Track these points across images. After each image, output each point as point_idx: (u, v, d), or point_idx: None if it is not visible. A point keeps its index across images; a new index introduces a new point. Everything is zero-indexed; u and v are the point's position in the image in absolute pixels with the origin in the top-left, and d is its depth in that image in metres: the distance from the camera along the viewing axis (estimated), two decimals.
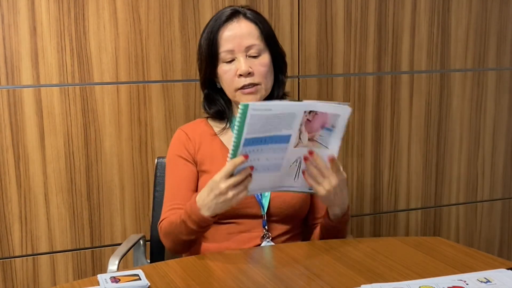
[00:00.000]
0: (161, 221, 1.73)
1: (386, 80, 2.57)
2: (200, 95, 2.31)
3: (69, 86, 2.19)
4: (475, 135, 2.77)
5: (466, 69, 2.70)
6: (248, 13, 1.76)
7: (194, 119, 2.31)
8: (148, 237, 2.12)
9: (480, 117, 2.76)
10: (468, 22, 2.66)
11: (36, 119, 2.17)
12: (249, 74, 1.72)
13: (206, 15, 2.27)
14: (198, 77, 2.31)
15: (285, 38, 2.39)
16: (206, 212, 1.53)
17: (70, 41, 2.16)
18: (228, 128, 1.81)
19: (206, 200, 1.52)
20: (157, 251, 1.97)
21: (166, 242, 1.72)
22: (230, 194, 1.47)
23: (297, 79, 2.44)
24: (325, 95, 2.48)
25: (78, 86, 2.20)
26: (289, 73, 2.41)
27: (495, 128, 2.80)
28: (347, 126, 1.57)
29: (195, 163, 1.78)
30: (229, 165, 1.44)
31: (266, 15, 2.34)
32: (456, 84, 2.69)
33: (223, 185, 1.46)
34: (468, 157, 2.78)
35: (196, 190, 1.76)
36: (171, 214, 1.70)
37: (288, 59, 2.39)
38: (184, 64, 2.29)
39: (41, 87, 2.16)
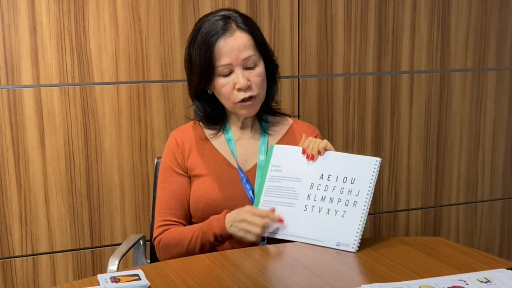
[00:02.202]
0: (156, 237, 1.76)
1: (386, 80, 2.57)
2: None
3: (69, 86, 2.19)
4: (475, 135, 2.77)
5: (466, 69, 2.70)
6: (240, 21, 1.73)
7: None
8: (148, 237, 2.12)
9: (480, 117, 2.76)
10: (468, 22, 2.66)
11: (36, 119, 2.17)
12: (248, 87, 1.72)
13: None
14: None
15: (285, 38, 2.39)
16: (228, 229, 1.65)
17: (70, 41, 2.16)
18: (220, 133, 1.81)
19: (232, 221, 1.64)
20: None
21: (167, 256, 1.72)
22: (243, 224, 1.62)
23: (297, 79, 2.44)
24: (325, 95, 2.48)
25: (78, 86, 2.20)
26: (289, 73, 2.42)
27: (495, 128, 2.80)
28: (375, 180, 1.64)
29: (185, 171, 1.79)
30: (264, 212, 1.63)
31: (266, 15, 2.34)
32: (456, 84, 2.69)
33: (246, 216, 1.62)
34: (468, 157, 2.78)
35: (188, 200, 1.77)
36: (165, 230, 1.74)
37: (288, 59, 2.41)
38: None
39: (41, 87, 2.16)
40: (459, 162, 2.76)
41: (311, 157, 1.67)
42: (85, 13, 2.16)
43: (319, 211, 1.62)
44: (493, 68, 2.74)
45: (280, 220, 1.63)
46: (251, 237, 1.61)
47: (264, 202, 1.68)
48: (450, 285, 1.31)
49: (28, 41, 2.12)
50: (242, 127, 1.83)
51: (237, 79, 1.71)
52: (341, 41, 2.48)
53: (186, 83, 2.30)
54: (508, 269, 1.41)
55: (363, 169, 1.62)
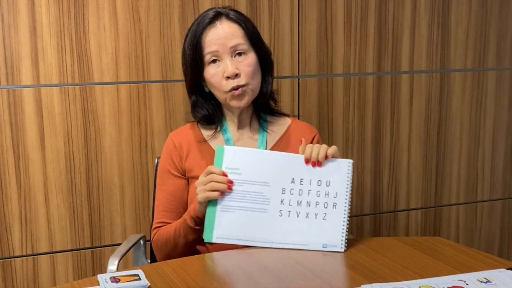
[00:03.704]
0: (152, 239, 1.77)
1: (386, 80, 2.57)
2: None
3: (69, 86, 2.19)
4: (475, 135, 2.77)
5: (466, 69, 2.70)
6: (231, 13, 1.75)
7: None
8: (148, 237, 2.12)
9: (480, 117, 2.76)
10: (468, 22, 2.66)
11: (36, 119, 2.17)
12: (236, 75, 1.71)
13: None
14: None
15: (285, 38, 2.39)
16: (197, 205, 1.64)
17: (70, 41, 2.16)
18: (218, 132, 1.81)
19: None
20: None
21: (161, 255, 1.74)
22: (198, 188, 1.60)
23: (297, 79, 2.44)
24: (325, 95, 2.49)
25: (78, 86, 2.20)
26: (289, 73, 2.42)
27: (495, 128, 2.80)
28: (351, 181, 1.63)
29: (183, 173, 1.78)
30: (206, 169, 1.60)
31: (266, 15, 2.34)
32: (456, 84, 2.69)
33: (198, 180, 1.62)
34: (468, 157, 2.78)
35: (185, 202, 1.78)
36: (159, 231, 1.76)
37: (288, 59, 2.41)
38: None
39: (41, 87, 2.16)
40: (459, 162, 2.76)
41: (318, 164, 1.61)
42: (85, 13, 2.16)
43: (297, 216, 1.60)
44: (493, 68, 2.74)
45: (230, 182, 1.58)
46: (210, 195, 1.58)
47: (224, 207, 1.59)
48: (450, 285, 1.31)
49: (28, 41, 2.12)
50: (240, 127, 1.82)
51: (225, 67, 1.71)
52: (341, 41, 2.48)
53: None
54: (508, 269, 1.41)
55: (336, 172, 1.61)
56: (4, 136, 2.14)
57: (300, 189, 1.60)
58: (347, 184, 1.60)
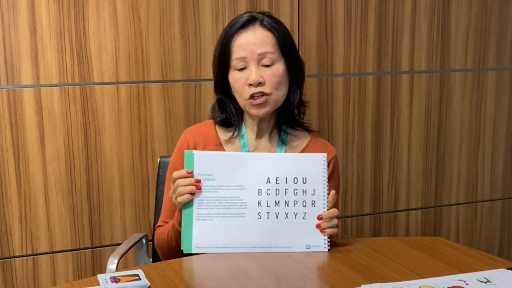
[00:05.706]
0: (154, 236, 1.79)
1: (386, 80, 2.57)
2: (200, 95, 2.32)
3: (69, 86, 2.19)
4: (475, 135, 2.77)
5: (466, 69, 2.70)
6: (266, 20, 1.72)
7: (194, 119, 2.32)
8: (150, 237, 2.12)
9: (480, 117, 2.76)
10: (468, 22, 2.66)
11: (36, 119, 2.17)
12: (260, 84, 1.68)
13: (206, 15, 2.28)
14: (197, 77, 2.32)
15: None
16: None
17: (70, 41, 2.16)
18: (235, 137, 1.78)
19: None
20: None
21: (160, 254, 1.76)
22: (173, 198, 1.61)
23: None
24: (325, 95, 2.49)
25: (78, 86, 2.20)
26: None
27: (495, 128, 2.80)
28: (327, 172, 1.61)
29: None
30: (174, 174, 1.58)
31: None
32: (456, 84, 2.69)
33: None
34: (468, 157, 2.78)
35: None
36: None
37: None
38: (184, 64, 2.29)
39: (41, 87, 2.16)
40: (459, 162, 2.76)
41: (317, 226, 1.58)
42: (85, 13, 2.16)
43: (277, 217, 1.56)
44: (493, 68, 2.74)
45: (197, 181, 1.56)
46: (181, 200, 1.56)
47: (200, 215, 1.56)
48: (450, 285, 1.31)
49: (28, 41, 2.12)
50: (259, 136, 1.78)
51: (250, 74, 1.68)
52: (341, 41, 2.48)
53: (186, 83, 2.31)
54: (508, 269, 1.41)
55: (312, 167, 1.57)
56: (4, 136, 2.14)
57: (276, 189, 1.57)
58: (324, 179, 1.57)
